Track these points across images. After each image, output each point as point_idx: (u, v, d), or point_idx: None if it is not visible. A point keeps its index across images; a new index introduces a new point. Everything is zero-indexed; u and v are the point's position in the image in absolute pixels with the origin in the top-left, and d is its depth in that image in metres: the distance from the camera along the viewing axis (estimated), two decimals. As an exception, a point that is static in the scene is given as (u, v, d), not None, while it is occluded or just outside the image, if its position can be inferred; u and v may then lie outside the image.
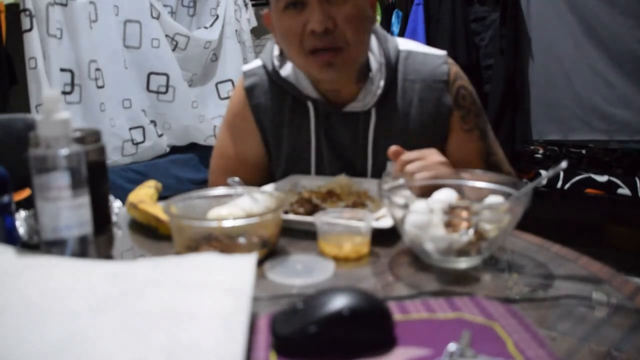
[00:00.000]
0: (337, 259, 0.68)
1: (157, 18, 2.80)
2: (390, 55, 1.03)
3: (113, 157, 2.59)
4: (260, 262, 0.65)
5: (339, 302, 0.47)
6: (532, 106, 2.63)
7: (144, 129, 2.75)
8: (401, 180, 0.78)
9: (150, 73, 2.80)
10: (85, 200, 0.61)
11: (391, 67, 1.03)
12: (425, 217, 0.64)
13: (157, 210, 0.81)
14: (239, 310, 0.47)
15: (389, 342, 0.48)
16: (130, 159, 2.69)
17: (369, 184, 0.92)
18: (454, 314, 0.53)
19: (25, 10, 2.24)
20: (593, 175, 2.47)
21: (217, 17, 3.08)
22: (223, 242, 0.67)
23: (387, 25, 2.99)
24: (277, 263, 0.67)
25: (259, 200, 0.78)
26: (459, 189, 0.73)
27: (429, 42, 2.69)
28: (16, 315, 0.47)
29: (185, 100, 2.89)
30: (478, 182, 0.75)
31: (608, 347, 0.49)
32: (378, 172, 1.04)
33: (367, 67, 1.03)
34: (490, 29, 2.71)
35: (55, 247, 0.60)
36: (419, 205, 0.65)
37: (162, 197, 0.90)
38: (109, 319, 0.46)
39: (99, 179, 0.68)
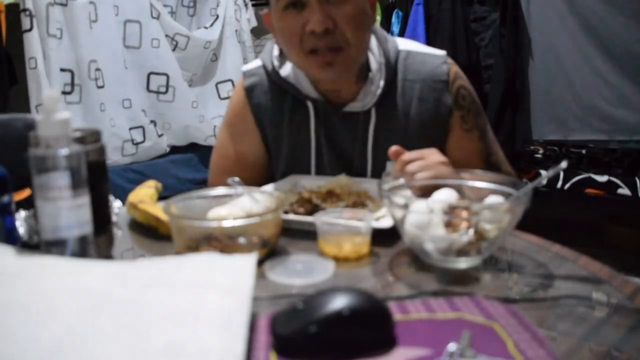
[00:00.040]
0: (337, 259, 0.68)
1: (157, 18, 2.79)
2: (390, 55, 1.03)
3: (113, 157, 2.59)
4: (260, 262, 0.65)
5: (339, 302, 0.47)
6: (532, 106, 2.63)
7: (144, 129, 2.75)
8: (401, 180, 0.78)
9: (150, 73, 2.80)
10: (85, 200, 0.61)
11: (391, 67, 1.03)
12: (425, 217, 0.64)
13: (157, 210, 0.81)
14: (239, 310, 0.47)
15: (389, 342, 0.47)
16: (130, 159, 2.69)
17: (369, 184, 0.92)
18: (454, 314, 0.53)
19: (25, 10, 2.24)
20: (593, 175, 2.47)
21: (217, 17, 3.08)
22: (223, 242, 0.67)
23: (387, 25, 2.98)
24: (277, 263, 0.67)
25: (259, 200, 0.78)
26: (459, 189, 0.73)
27: (429, 42, 2.69)
28: (16, 315, 0.47)
29: (185, 100, 2.89)
30: (478, 182, 0.75)
31: (608, 347, 0.49)
32: (378, 172, 1.04)
33: (367, 67, 1.03)
34: (490, 29, 2.71)
35: (55, 247, 0.60)
36: (419, 205, 0.65)
37: (162, 197, 0.90)
38: (109, 319, 0.46)
39: (99, 179, 0.68)
